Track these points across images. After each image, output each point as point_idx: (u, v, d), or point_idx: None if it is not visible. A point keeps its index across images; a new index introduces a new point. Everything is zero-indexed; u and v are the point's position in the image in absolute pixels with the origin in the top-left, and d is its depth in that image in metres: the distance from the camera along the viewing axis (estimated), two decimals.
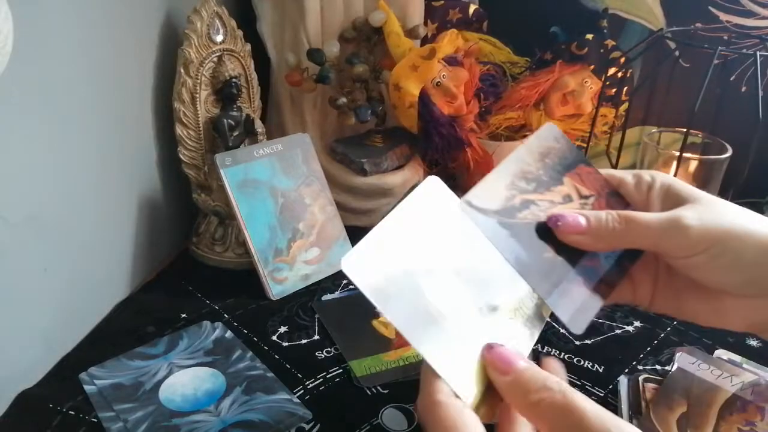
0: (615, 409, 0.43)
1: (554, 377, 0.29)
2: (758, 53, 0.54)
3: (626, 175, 0.40)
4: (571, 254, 0.37)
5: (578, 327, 0.35)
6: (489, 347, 0.31)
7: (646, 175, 0.39)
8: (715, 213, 0.35)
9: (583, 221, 0.36)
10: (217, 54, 0.60)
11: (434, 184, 0.34)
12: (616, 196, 0.39)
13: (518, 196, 0.36)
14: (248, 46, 0.63)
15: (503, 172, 0.37)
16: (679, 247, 0.35)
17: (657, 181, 0.38)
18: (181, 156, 0.60)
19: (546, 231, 0.36)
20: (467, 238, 0.34)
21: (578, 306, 0.36)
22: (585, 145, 0.68)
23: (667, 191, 0.38)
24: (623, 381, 0.44)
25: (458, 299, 0.32)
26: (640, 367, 0.49)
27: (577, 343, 0.52)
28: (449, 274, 0.33)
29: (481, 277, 0.34)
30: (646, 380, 0.43)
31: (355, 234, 0.62)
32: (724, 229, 0.34)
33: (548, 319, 0.37)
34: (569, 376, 0.48)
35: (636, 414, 0.40)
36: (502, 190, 0.36)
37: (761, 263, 0.34)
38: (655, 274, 0.40)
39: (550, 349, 0.51)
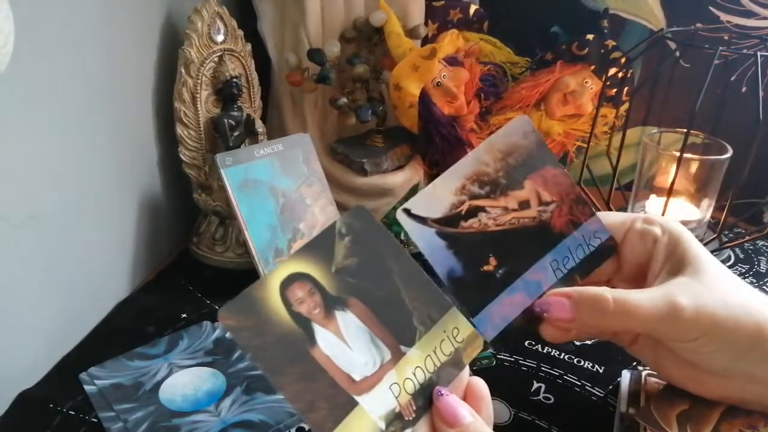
0: (613, 407, 0.43)
1: None
2: (759, 53, 0.54)
3: (636, 222, 0.38)
4: (517, 265, 0.35)
5: (502, 344, 0.34)
6: (439, 394, 0.31)
7: (656, 227, 0.37)
8: (711, 295, 0.34)
9: (569, 311, 0.35)
10: (218, 54, 0.60)
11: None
12: (582, 204, 0.38)
13: (467, 202, 0.35)
14: (249, 46, 0.63)
15: (454, 174, 0.35)
16: (670, 335, 0.35)
17: (666, 235, 0.37)
18: (182, 156, 0.60)
19: (492, 240, 0.35)
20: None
21: (506, 325, 0.35)
22: (585, 146, 0.68)
23: (673, 249, 0.36)
24: (625, 374, 0.44)
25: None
26: (640, 368, 0.49)
27: (577, 343, 0.52)
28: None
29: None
30: (649, 375, 0.43)
31: None
32: (717, 319, 0.33)
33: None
34: (569, 377, 0.48)
35: (634, 405, 0.40)
36: (449, 196, 0.34)
37: (745, 354, 0.34)
38: None
39: (549, 350, 0.51)
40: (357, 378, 0.29)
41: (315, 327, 0.29)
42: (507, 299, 0.35)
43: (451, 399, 0.31)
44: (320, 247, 0.31)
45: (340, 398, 0.29)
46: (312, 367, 0.29)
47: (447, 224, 0.34)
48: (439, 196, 0.34)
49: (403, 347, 0.31)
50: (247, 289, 0.28)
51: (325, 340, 0.29)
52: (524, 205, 0.36)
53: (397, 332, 0.31)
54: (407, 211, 0.33)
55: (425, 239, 0.33)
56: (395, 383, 0.30)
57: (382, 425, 0.29)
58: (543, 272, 0.36)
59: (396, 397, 0.30)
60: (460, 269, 0.34)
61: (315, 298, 0.30)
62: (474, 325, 0.34)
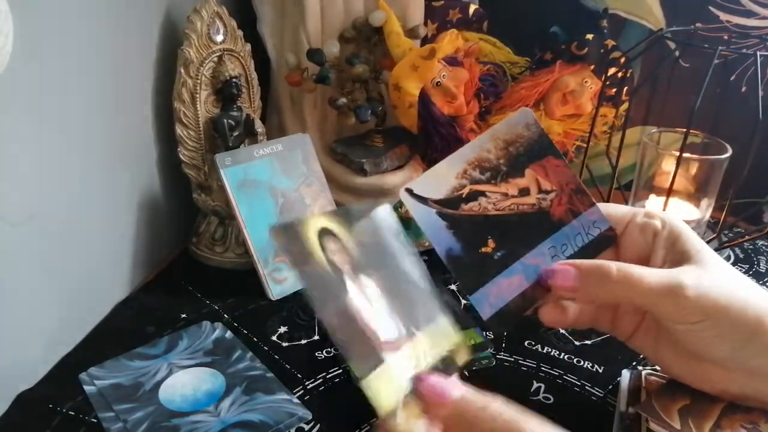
0: (613, 407, 0.44)
1: (491, 399, 0.29)
2: (758, 53, 0.54)
3: (637, 215, 0.39)
4: (515, 249, 0.36)
5: (499, 328, 0.35)
6: (419, 379, 0.30)
7: (657, 220, 0.38)
8: (714, 283, 0.34)
9: (574, 280, 0.35)
10: (217, 54, 0.60)
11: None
12: (581, 194, 0.38)
13: (468, 186, 0.35)
14: (248, 46, 0.63)
15: (458, 158, 0.36)
16: (672, 314, 0.35)
17: (666, 229, 0.37)
18: (181, 156, 0.60)
19: (491, 223, 0.36)
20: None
21: (503, 306, 0.35)
22: (585, 145, 0.68)
23: (674, 243, 0.37)
24: (625, 373, 0.44)
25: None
26: (640, 368, 0.49)
27: (577, 343, 0.52)
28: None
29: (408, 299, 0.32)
30: (649, 374, 0.44)
31: None
32: (720, 305, 0.33)
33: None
34: (569, 377, 0.48)
35: (634, 404, 0.40)
36: (451, 179, 0.35)
37: (745, 345, 0.34)
38: (642, 312, 0.39)
39: (549, 350, 0.51)
40: (382, 338, 0.29)
41: (347, 279, 0.29)
42: (505, 281, 0.35)
43: (432, 377, 0.30)
44: (344, 218, 0.31)
45: (370, 349, 0.29)
46: (347, 311, 0.28)
47: (448, 206, 0.35)
48: (441, 178, 0.35)
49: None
50: (290, 220, 0.28)
51: (355, 294, 0.29)
52: (524, 192, 0.37)
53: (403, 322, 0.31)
54: (410, 191, 0.34)
55: (426, 218, 0.34)
56: (412, 356, 0.30)
57: (407, 388, 0.29)
58: (541, 258, 0.37)
59: (414, 369, 0.30)
60: (459, 249, 0.35)
61: (345, 255, 0.30)
62: (471, 303, 0.34)
